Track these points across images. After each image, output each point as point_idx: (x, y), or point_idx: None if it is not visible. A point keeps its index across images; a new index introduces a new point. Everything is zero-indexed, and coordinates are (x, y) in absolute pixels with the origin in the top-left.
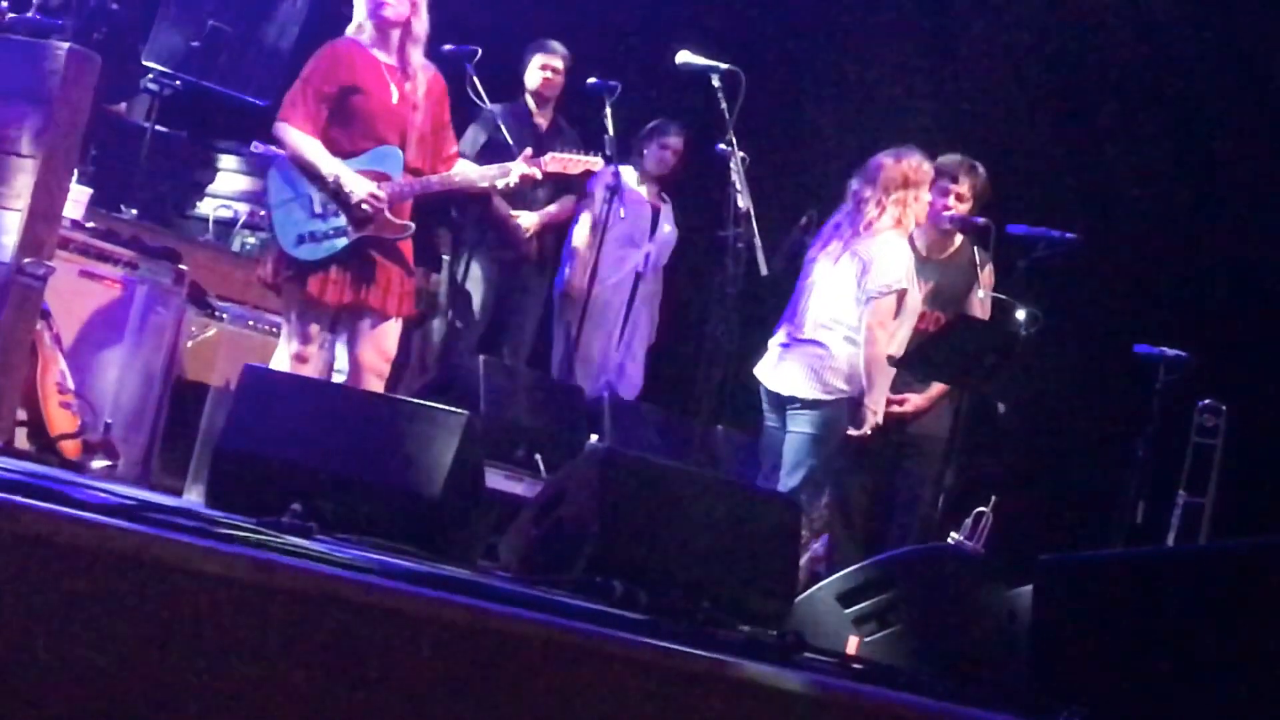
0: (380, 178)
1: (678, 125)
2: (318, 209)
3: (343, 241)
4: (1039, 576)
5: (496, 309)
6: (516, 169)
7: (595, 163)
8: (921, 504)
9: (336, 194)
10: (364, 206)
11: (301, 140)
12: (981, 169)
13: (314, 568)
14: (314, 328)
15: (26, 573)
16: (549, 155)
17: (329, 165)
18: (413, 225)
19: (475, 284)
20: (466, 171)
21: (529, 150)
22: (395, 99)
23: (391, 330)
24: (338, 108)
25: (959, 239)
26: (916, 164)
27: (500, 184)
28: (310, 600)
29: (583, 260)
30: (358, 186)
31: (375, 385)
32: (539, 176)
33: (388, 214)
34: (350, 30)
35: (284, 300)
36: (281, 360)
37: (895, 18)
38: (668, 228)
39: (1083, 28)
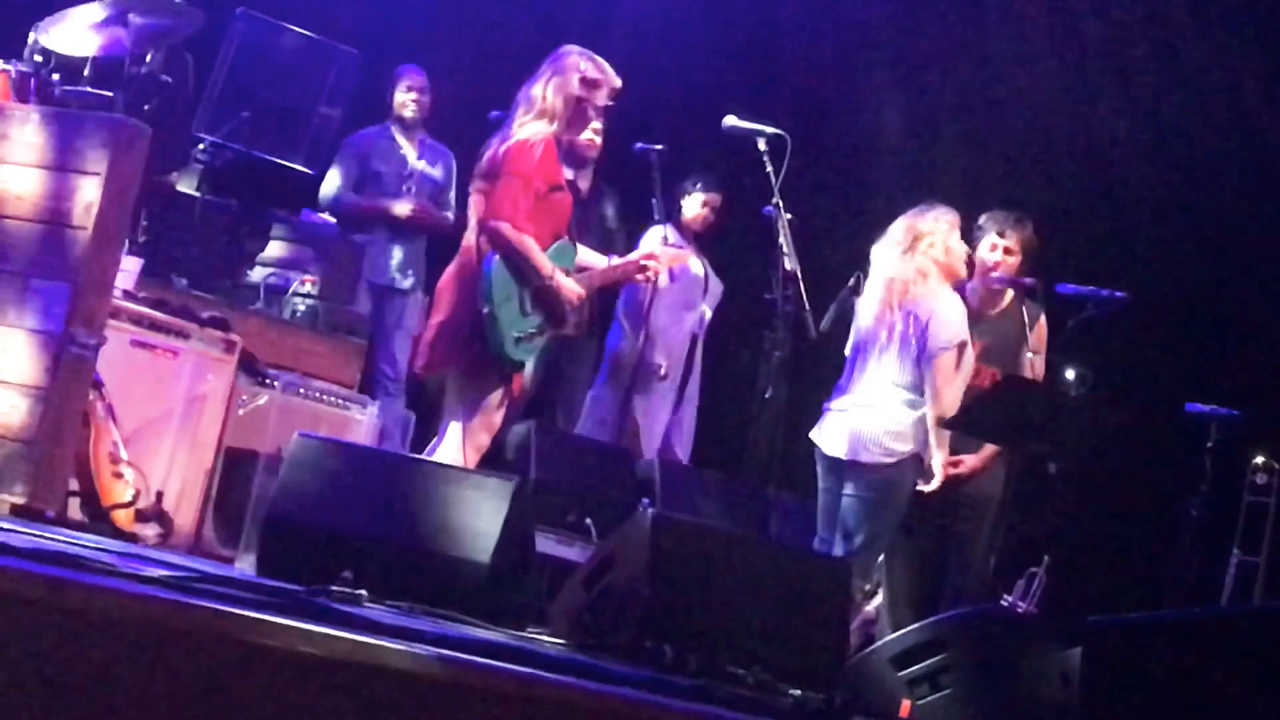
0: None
1: (713, 180)
2: (528, 308)
3: (543, 340)
4: (1087, 640)
5: (545, 378)
6: (653, 270)
7: (686, 255)
8: (974, 565)
9: (547, 293)
10: (565, 309)
11: (523, 240)
12: (1029, 222)
13: (362, 637)
14: (499, 417)
15: (72, 645)
16: (664, 255)
17: (548, 267)
18: (586, 323)
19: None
20: (616, 265)
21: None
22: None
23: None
24: (538, 203)
25: (1009, 295)
26: (925, 217)
27: (640, 278)
28: (359, 669)
29: (636, 327)
30: (571, 290)
31: (474, 458)
32: (651, 280)
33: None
34: (532, 125)
35: (474, 393)
36: (455, 453)
37: (940, 77)
38: (714, 282)
39: (1133, 84)
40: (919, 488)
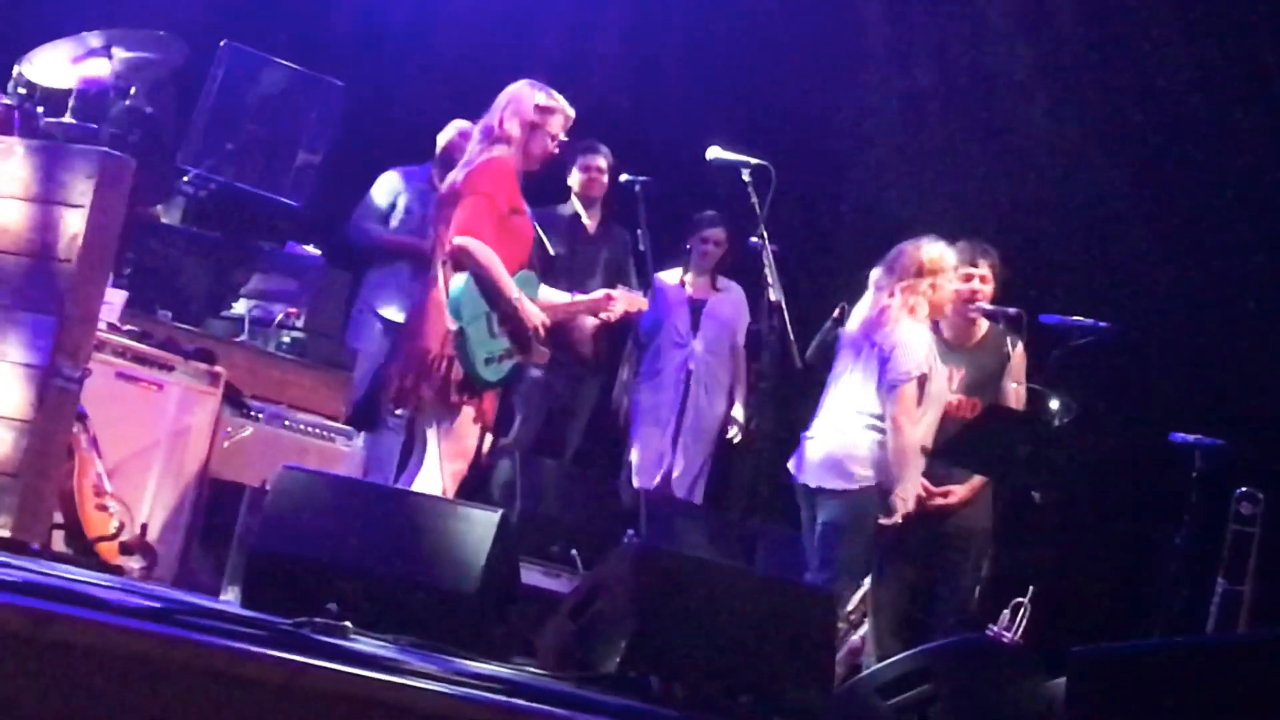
0: None
1: (714, 216)
2: (495, 330)
3: (511, 365)
4: (1071, 669)
5: (547, 415)
6: (609, 312)
7: (644, 302)
8: (960, 595)
9: (512, 316)
10: (530, 334)
11: (490, 256)
12: (993, 250)
13: (345, 670)
14: (473, 442)
15: (57, 679)
16: (621, 299)
17: (514, 288)
18: (549, 354)
19: (526, 386)
20: (575, 302)
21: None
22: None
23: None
24: (501, 226)
25: (985, 325)
26: (932, 252)
27: (603, 316)
28: (344, 702)
29: (619, 371)
30: (534, 315)
31: (453, 486)
32: (611, 320)
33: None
34: (490, 150)
35: (448, 420)
36: (433, 481)
37: (926, 109)
38: (723, 312)
39: (1121, 114)
40: (882, 521)
